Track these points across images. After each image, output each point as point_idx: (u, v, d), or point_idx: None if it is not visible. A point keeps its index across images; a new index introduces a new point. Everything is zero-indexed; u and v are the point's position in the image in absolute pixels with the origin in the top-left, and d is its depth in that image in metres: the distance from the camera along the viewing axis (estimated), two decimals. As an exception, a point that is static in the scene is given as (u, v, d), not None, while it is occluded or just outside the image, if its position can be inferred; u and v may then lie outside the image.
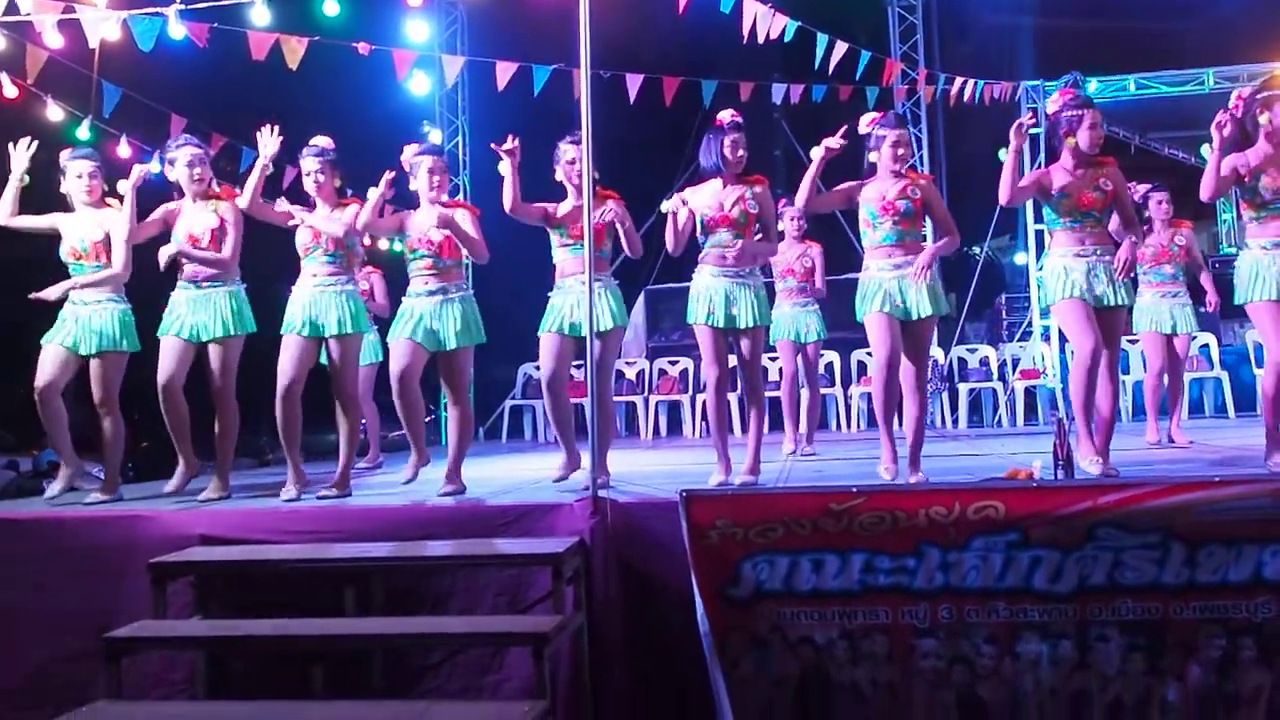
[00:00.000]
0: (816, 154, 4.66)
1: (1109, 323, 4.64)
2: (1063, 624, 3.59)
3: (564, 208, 5.05)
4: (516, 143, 4.91)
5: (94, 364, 5.17)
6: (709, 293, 4.81)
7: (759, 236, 4.89)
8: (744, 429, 5.15)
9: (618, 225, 4.96)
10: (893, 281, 4.68)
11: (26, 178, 5.18)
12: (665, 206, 4.86)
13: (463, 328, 4.94)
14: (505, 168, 4.91)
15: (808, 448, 6.86)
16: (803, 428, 6.97)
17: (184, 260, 5.14)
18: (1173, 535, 3.53)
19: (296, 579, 4.18)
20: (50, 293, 5.15)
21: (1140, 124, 12.07)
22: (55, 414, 5.20)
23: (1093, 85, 10.72)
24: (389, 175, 4.90)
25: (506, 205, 4.95)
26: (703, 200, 4.86)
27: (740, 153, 4.83)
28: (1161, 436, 6.49)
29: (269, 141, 4.97)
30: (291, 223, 5.05)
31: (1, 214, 5.18)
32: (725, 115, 4.90)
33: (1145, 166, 11.83)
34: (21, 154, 5.16)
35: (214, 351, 5.15)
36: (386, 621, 4.03)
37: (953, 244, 4.82)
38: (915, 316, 4.67)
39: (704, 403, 9.55)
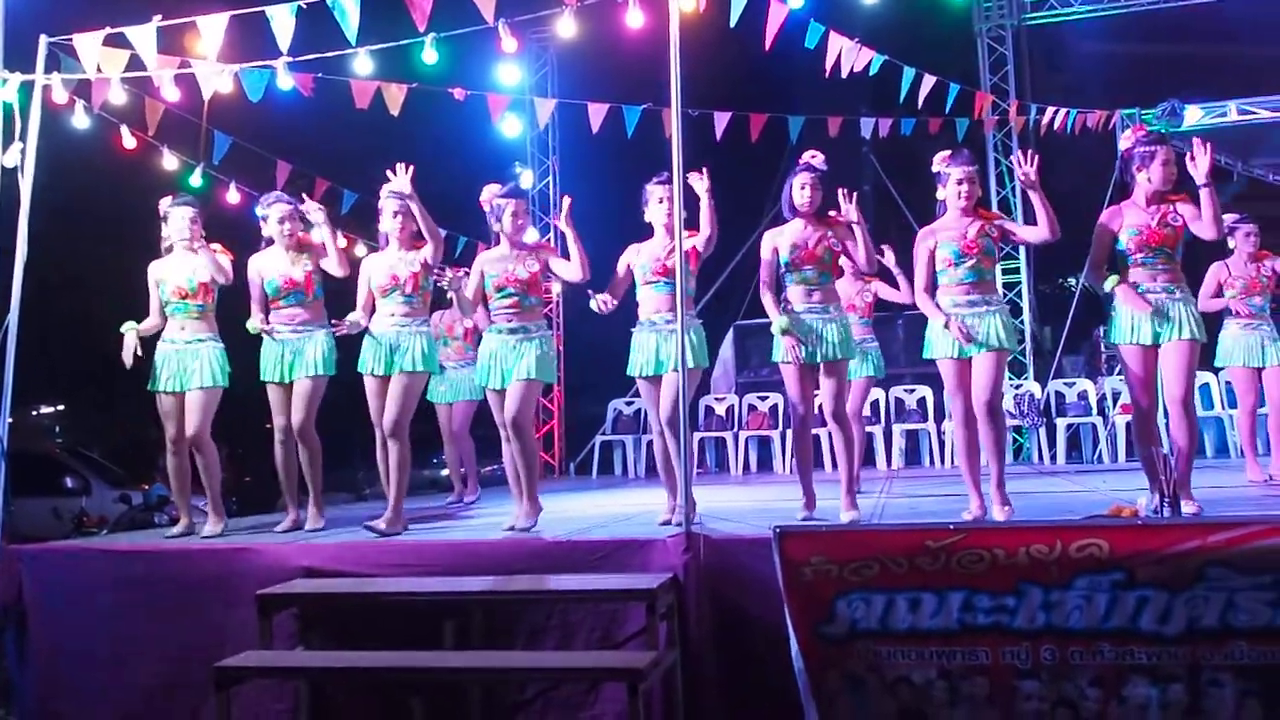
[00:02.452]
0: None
1: (1180, 356, 4.51)
2: (1173, 667, 3.47)
3: (646, 247, 5.10)
4: (608, 302, 5.03)
5: (190, 398, 5.39)
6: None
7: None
8: (834, 464, 5.13)
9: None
10: (965, 320, 4.63)
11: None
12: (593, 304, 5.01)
13: (536, 364, 4.95)
14: (596, 305, 5.02)
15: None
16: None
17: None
18: (1288, 576, 3.40)
19: (397, 612, 4.28)
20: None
21: (1243, 151, 11.67)
22: (182, 467, 5.48)
23: (1192, 111, 10.44)
24: (455, 275, 5.16)
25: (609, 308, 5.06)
26: (786, 240, 4.96)
27: (810, 194, 4.94)
28: (1265, 474, 6.25)
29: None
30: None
31: (147, 333, 5.46)
32: (804, 156, 4.99)
33: (1249, 195, 11.43)
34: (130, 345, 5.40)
35: (299, 388, 5.35)
36: (483, 655, 4.09)
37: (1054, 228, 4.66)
38: (986, 347, 4.61)
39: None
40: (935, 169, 4.82)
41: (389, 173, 5.11)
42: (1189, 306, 4.58)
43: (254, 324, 5.39)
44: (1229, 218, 6.27)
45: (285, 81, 5.91)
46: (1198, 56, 11.31)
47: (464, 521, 5.86)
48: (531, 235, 5.01)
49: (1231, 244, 6.33)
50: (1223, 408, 8.99)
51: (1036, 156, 4.59)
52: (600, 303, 5.02)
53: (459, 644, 4.17)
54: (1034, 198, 4.62)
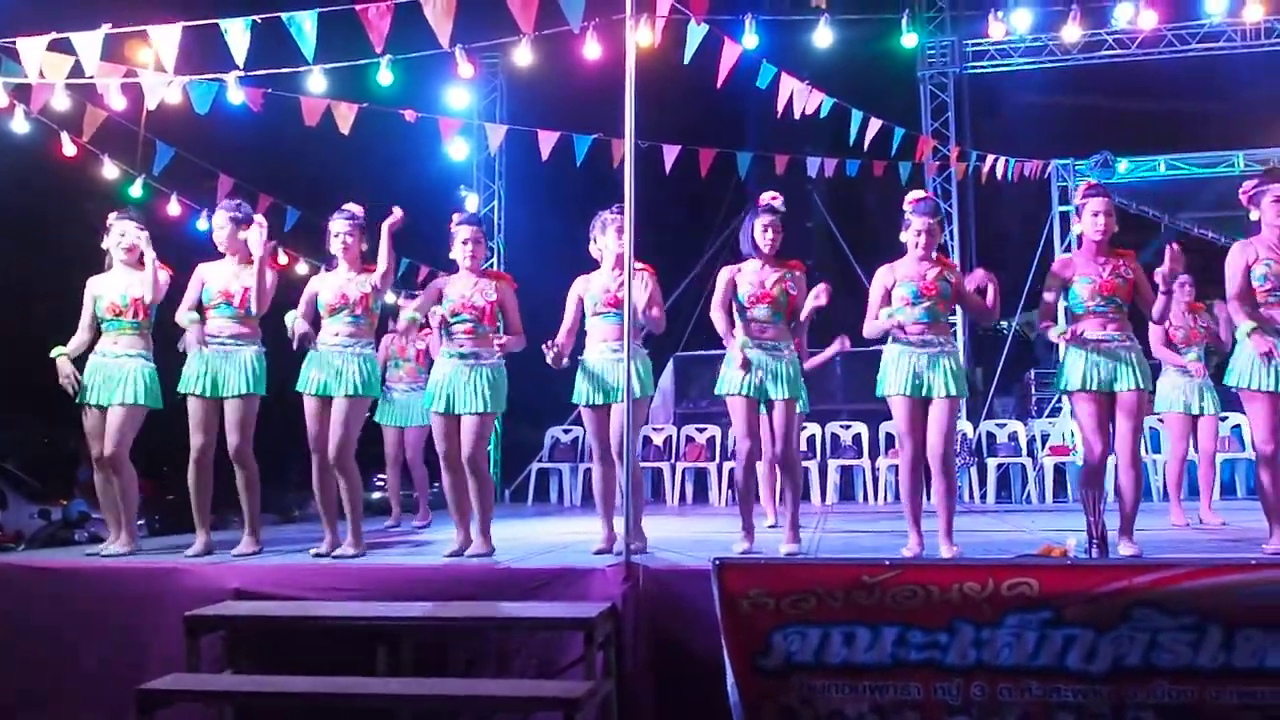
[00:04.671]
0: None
1: (1128, 404, 4.66)
2: (1097, 705, 3.54)
3: (595, 278, 5.14)
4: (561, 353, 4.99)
5: (110, 415, 5.24)
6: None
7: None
8: (779, 499, 5.18)
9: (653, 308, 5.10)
10: (919, 359, 4.73)
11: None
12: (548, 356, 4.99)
13: (490, 394, 4.96)
14: (550, 358, 4.97)
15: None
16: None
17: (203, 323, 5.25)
18: (1209, 618, 3.50)
19: (329, 636, 4.20)
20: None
21: (1170, 204, 12.13)
22: (108, 484, 5.31)
23: (1123, 165, 10.82)
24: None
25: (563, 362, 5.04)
26: (744, 278, 5.01)
27: (772, 235, 5.01)
28: (1190, 519, 6.45)
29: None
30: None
31: (75, 352, 5.32)
32: (765, 197, 5.05)
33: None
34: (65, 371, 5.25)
35: (230, 410, 5.19)
36: (417, 682, 4.02)
37: (993, 314, 4.86)
38: (940, 395, 4.70)
39: (731, 470, 9.63)
40: (905, 208, 4.90)
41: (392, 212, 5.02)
42: (1139, 356, 4.70)
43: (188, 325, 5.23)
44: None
45: (235, 95, 5.86)
46: (1130, 111, 11.74)
47: (403, 547, 5.79)
48: None
49: None
50: (1147, 453, 9.24)
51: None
52: (553, 356, 4.96)
53: (392, 670, 4.11)
54: (991, 288, 4.76)
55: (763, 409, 5.12)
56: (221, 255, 5.32)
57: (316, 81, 5.93)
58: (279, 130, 7.00)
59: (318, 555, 4.99)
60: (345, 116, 6.46)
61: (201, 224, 5.57)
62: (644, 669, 4.07)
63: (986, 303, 4.81)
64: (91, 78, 5.60)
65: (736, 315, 5.06)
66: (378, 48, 5.42)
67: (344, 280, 5.17)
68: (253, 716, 4.22)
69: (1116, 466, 4.78)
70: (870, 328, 4.87)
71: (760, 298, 4.98)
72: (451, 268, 5.22)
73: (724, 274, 5.10)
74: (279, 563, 4.87)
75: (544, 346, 4.98)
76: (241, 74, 5.65)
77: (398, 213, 4.94)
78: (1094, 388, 4.65)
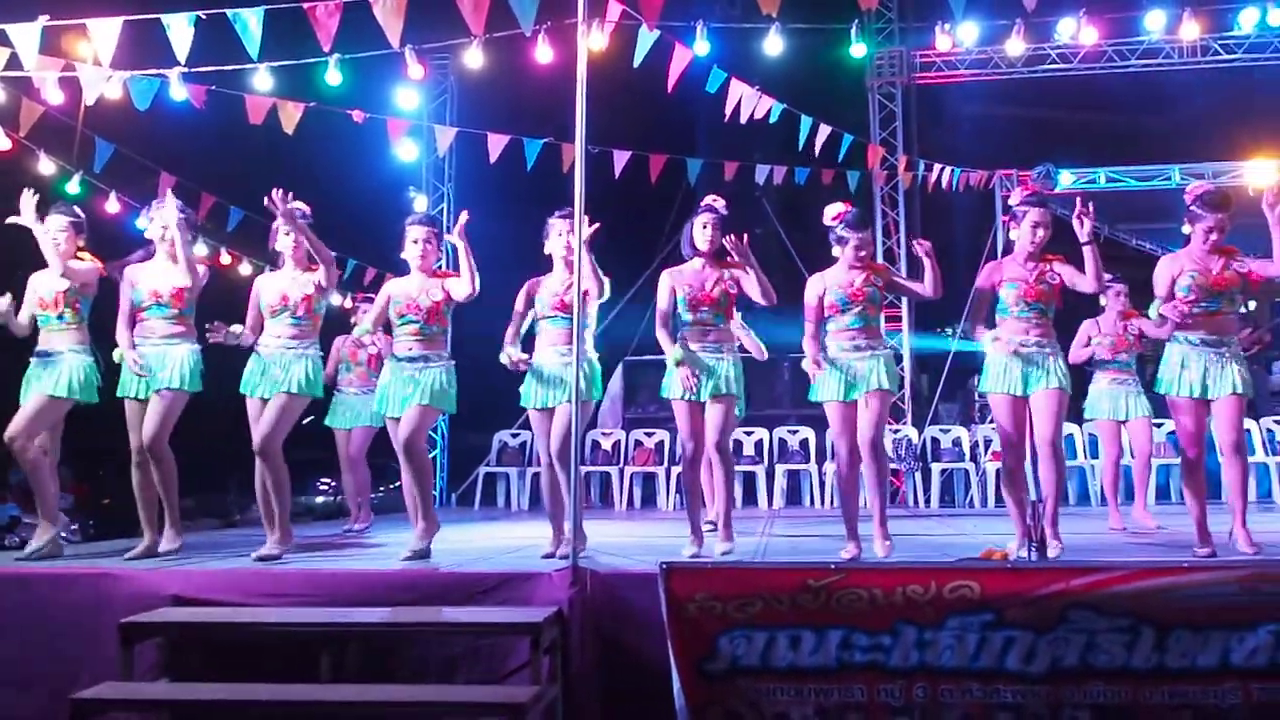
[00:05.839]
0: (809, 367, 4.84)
1: (1050, 401, 4.75)
2: (1036, 706, 3.61)
3: (545, 282, 5.12)
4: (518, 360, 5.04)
5: (27, 403, 5.13)
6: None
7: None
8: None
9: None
10: (847, 363, 4.80)
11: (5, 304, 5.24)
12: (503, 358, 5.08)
13: (433, 392, 4.94)
14: (507, 360, 5.04)
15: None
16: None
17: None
18: (1143, 619, 3.59)
19: (271, 643, 4.14)
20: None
21: (1110, 215, 12.36)
22: (35, 467, 5.19)
23: (1065, 176, 11.03)
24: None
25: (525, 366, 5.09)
26: (684, 280, 5.01)
27: (710, 233, 5.01)
28: (1125, 522, 6.59)
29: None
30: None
31: (21, 333, 5.27)
32: (708, 199, 5.08)
33: (1113, 256, 12.05)
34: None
35: (154, 401, 5.11)
36: (360, 689, 3.97)
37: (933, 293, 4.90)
38: (870, 388, 4.77)
39: (679, 475, 9.65)
40: (829, 224, 4.94)
41: (271, 196, 4.92)
42: (1059, 359, 4.83)
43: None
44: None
45: (178, 92, 5.75)
46: (1072, 124, 11.98)
47: (351, 551, 5.72)
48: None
49: (1103, 301, 6.67)
50: (1085, 457, 9.42)
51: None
52: (511, 360, 5.02)
53: (336, 677, 4.06)
54: (928, 262, 4.81)
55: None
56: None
57: (262, 79, 5.84)
58: (223, 129, 6.89)
59: (260, 559, 4.91)
60: (291, 116, 6.38)
61: (140, 222, 5.41)
62: (590, 673, 4.06)
63: (925, 282, 4.84)
64: (29, 71, 5.47)
65: (681, 319, 5.06)
66: (325, 47, 5.35)
67: (287, 280, 5.10)
68: (191, 725, 4.13)
69: (1036, 465, 4.87)
70: (807, 343, 4.88)
71: (702, 300, 4.99)
72: (401, 268, 5.19)
73: (664, 281, 5.07)
74: (218, 567, 4.78)
75: (507, 360, 5.02)
76: (184, 70, 5.55)
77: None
78: (1012, 390, 4.76)
